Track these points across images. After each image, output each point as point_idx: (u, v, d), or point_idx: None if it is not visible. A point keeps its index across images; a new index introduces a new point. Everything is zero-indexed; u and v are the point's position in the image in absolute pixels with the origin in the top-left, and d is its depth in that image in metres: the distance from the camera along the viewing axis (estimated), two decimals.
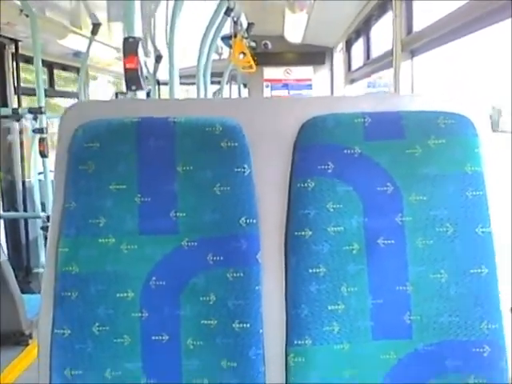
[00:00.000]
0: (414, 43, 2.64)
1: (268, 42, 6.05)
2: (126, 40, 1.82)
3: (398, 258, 1.04)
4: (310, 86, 6.59)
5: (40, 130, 3.52)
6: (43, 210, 3.83)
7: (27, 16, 3.31)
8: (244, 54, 4.47)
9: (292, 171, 1.08)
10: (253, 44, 5.31)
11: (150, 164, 1.05)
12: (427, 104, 1.12)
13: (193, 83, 3.97)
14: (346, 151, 1.06)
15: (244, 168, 1.06)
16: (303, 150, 1.08)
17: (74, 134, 1.06)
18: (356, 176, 1.06)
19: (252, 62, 4.53)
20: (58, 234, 1.05)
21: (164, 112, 1.09)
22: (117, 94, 5.57)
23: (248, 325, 1.01)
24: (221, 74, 5.63)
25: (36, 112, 3.48)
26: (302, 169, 1.07)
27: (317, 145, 1.07)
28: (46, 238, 3.94)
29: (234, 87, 6.88)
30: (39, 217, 3.78)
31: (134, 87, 1.76)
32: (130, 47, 1.78)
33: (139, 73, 1.76)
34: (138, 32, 1.84)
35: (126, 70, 1.77)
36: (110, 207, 1.03)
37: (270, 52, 6.19)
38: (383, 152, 1.06)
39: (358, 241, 1.04)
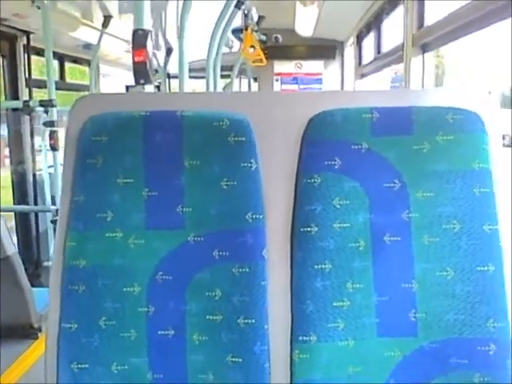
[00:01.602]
0: (425, 38, 2.61)
1: (278, 36, 6.02)
2: (135, 32, 1.80)
3: (404, 255, 1.04)
4: (320, 81, 6.55)
5: (51, 123, 3.52)
6: (53, 203, 3.83)
7: (39, 8, 3.32)
8: (254, 47, 4.45)
9: (299, 166, 1.08)
10: (263, 37, 5.29)
11: (158, 158, 1.05)
12: (437, 99, 1.11)
13: (203, 77, 3.96)
14: (353, 147, 1.06)
15: (251, 163, 1.06)
16: (310, 146, 1.07)
17: (82, 127, 1.07)
18: (363, 172, 1.05)
19: (262, 56, 4.51)
20: (66, 227, 1.06)
21: (173, 105, 1.10)
22: (127, 87, 5.57)
23: (253, 320, 1.02)
24: (231, 68, 5.61)
25: (47, 105, 3.48)
26: (308, 164, 1.07)
27: (324, 140, 1.07)
28: (55, 232, 3.95)
29: (244, 81, 6.86)
30: (49, 210, 3.78)
31: (142, 81, 1.75)
32: (139, 40, 1.77)
33: (148, 66, 1.76)
34: (147, 24, 1.82)
35: (134, 62, 1.76)
36: (118, 201, 1.04)
37: (280, 46, 6.16)
38: (391, 148, 1.06)
39: (364, 237, 1.04)
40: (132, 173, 1.05)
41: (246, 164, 1.06)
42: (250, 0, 3.80)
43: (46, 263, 4.09)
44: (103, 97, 1.17)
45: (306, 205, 1.05)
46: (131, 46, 1.78)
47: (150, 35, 1.76)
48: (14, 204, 4.08)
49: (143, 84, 1.76)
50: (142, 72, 1.75)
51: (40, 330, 3.14)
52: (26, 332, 3.10)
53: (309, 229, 1.04)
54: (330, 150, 1.06)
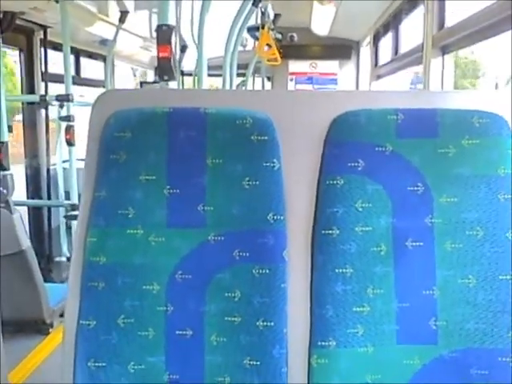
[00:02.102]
0: (445, 39, 2.58)
1: (294, 35, 5.99)
2: (159, 28, 1.78)
3: (426, 261, 1.02)
4: (335, 81, 6.51)
5: (67, 118, 3.53)
6: (67, 198, 3.84)
7: (57, 1, 3.32)
8: (269, 45, 4.44)
9: (321, 167, 1.07)
10: (279, 36, 5.27)
11: (180, 155, 1.04)
12: (461, 101, 1.10)
13: (218, 75, 3.96)
14: (377, 148, 1.04)
15: (273, 163, 1.05)
16: (334, 146, 1.06)
17: (105, 123, 1.06)
18: (386, 174, 1.04)
19: (277, 55, 4.49)
20: (87, 223, 1.05)
21: (194, 102, 1.09)
22: (141, 84, 5.59)
23: (272, 323, 1.00)
24: (245, 66, 5.60)
25: (63, 99, 3.49)
26: (331, 165, 1.05)
27: (347, 141, 1.05)
28: (68, 227, 3.97)
29: (257, 80, 6.84)
30: (62, 205, 3.78)
31: (166, 77, 1.73)
32: (163, 35, 1.74)
33: (172, 62, 1.74)
34: (171, 20, 1.79)
35: (158, 58, 1.74)
36: (139, 198, 1.03)
37: (295, 44, 6.13)
38: (415, 150, 1.04)
39: (386, 242, 1.02)
40: (154, 170, 1.04)
41: (268, 164, 1.04)
42: None
43: (57, 258, 4.10)
44: (125, 92, 1.17)
45: (328, 207, 1.04)
46: (156, 41, 1.76)
47: (174, 31, 1.75)
48: (28, 198, 4.09)
49: (167, 80, 1.74)
50: (166, 68, 1.73)
51: (52, 325, 3.13)
52: (38, 327, 3.10)
53: (330, 231, 1.03)
54: (353, 152, 1.04)
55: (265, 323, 1.00)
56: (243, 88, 5.95)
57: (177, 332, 1.01)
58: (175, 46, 1.77)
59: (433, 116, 1.05)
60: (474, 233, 1.02)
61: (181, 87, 5.94)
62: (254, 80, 6.69)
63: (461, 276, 1.02)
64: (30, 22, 3.76)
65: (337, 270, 1.02)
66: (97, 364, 1.00)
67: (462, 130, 1.04)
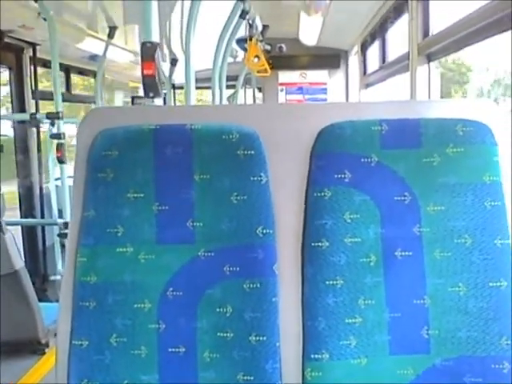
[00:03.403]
0: (430, 47, 2.61)
1: (283, 45, 6.02)
2: (143, 45, 1.79)
3: (416, 271, 1.03)
4: (325, 91, 6.54)
5: (57, 136, 3.52)
6: (60, 216, 3.82)
7: (45, 19, 3.33)
8: (258, 57, 4.46)
9: (309, 180, 1.07)
10: (267, 47, 5.29)
11: (168, 172, 1.05)
12: (446, 110, 1.11)
13: (208, 87, 3.97)
14: (362, 160, 1.05)
15: (261, 177, 1.05)
16: (320, 158, 1.07)
17: (92, 142, 1.07)
18: (373, 185, 1.05)
19: (267, 66, 4.52)
20: (77, 242, 1.05)
21: (181, 118, 1.09)
22: (133, 99, 5.58)
23: (265, 338, 1.01)
24: (235, 78, 5.62)
25: (54, 117, 3.49)
26: (318, 178, 1.06)
27: (333, 153, 1.06)
28: (62, 245, 3.95)
29: (249, 91, 6.86)
30: (56, 224, 3.76)
31: (151, 94, 1.74)
32: (147, 52, 1.75)
33: (157, 79, 1.75)
34: (155, 36, 1.80)
35: (143, 76, 1.75)
36: (128, 216, 1.04)
37: (284, 55, 6.16)
38: (400, 161, 1.05)
39: (375, 252, 1.03)
40: (142, 187, 1.05)
41: (255, 178, 1.05)
42: (254, 8, 3.80)
43: (52, 277, 4.05)
44: (112, 110, 1.17)
45: (317, 219, 1.04)
46: (140, 58, 1.77)
47: (158, 48, 1.76)
48: (21, 217, 4.06)
49: (152, 97, 1.75)
50: (151, 85, 1.74)
51: (47, 345, 3.10)
52: (33, 347, 3.07)
53: (319, 244, 1.03)
54: (339, 163, 1.05)
55: (257, 338, 1.00)
56: (234, 100, 5.97)
57: (169, 349, 1.01)
58: (159, 62, 1.78)
59: (416, 126, 1.06)
60: (463, 241, 1.03)
61: (172, 100, 5.97)
62: (245, 91, 6.71)
63: (451, 284, 1.02)
64: (19, 39, 3.77)
65: (327, 282, 1.02)
66: None
67: (446, 138, 1.05)
